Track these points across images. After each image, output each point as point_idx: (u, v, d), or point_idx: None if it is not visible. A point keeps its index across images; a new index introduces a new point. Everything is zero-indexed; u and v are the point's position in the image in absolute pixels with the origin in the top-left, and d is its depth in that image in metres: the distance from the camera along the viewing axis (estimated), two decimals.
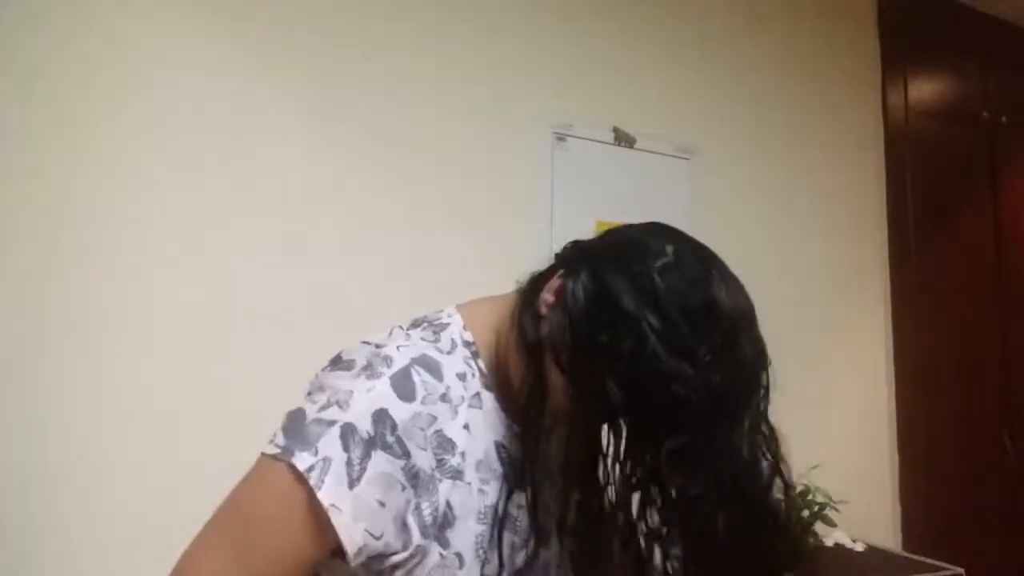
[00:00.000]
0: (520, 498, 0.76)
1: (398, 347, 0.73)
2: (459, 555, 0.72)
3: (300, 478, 0.65)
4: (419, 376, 0.71)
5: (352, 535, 0.66)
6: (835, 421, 2.29)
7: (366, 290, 1.63)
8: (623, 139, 1.99)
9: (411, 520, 0.69)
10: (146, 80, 1.47)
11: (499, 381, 0.78)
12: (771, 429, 0.70)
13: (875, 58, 2.53)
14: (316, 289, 1.58)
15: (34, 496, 1.32)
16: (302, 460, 0.65)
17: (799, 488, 1.85)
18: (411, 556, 0.70)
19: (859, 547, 2.04)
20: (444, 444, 0.72)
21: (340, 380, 0.70)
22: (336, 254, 1.62)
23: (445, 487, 0.71)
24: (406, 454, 0.68)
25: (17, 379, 1.33)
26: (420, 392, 0.70)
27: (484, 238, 1.78)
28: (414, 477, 0.69)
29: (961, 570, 1.90)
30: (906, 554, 2.08)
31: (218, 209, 1.52)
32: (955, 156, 2.67)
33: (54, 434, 1.35)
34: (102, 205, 1.42)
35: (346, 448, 0.66)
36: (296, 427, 0.68)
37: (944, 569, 1.90)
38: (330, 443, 0.66)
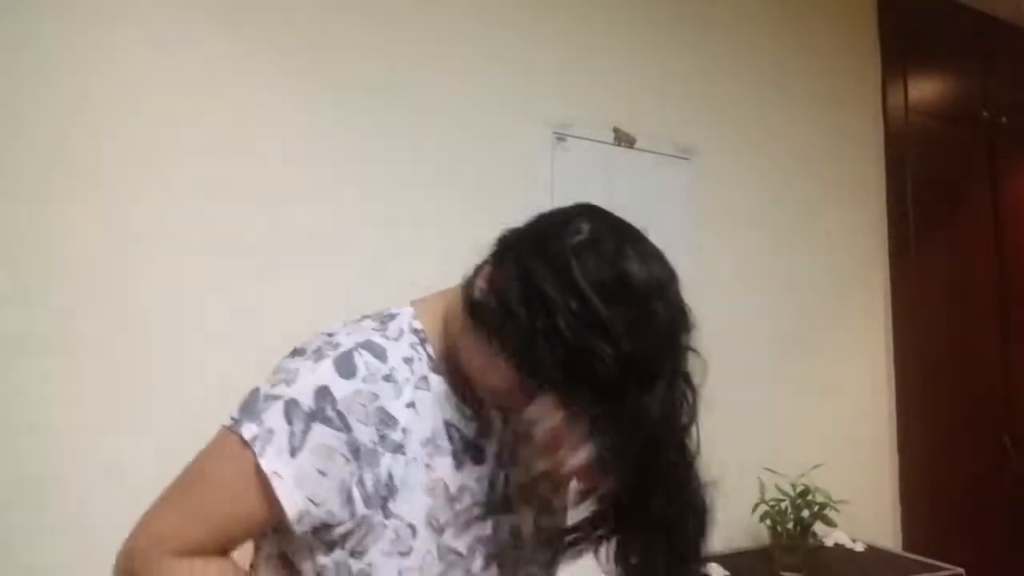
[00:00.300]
0: (478, 471, 0.83)
1: (347, 334, 0.80)
2: (412, 526, 0.77)
3: (247, 446, 0.72)
4: (362, 358, 0.77)
5: (292, 500, 0.72)
6: (835, 421, 2.29)
7: (363, 288, 1.63)
8: (623, 139, 1.99)
9: (355, 492, 0.75)
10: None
11: (449, 367, 0.83)
12: (692, 390, 0.73)
13: (875, 58, 2.54)
14: (310, 290, 1.58)
15: (26, 498, 1.32)
16: (249, 430, 0.73)
17: (799, 488, 1.85)
18: (357, 526, 0.75)
19: (859, 547, 2.04)
20: (386, 420, 0.77)
21: (292, 363, 0.78)
22: (334, 253, 1.62)
23: (387, 460, 0.76)
24: (347, 428, 0.74)
25: (5, 380, 1.33)
26: (361, 371, 0.77)
27: (484, 238, 1.78)
28: (356, 450, 0.75)
29: (961, 570, 1.90)
30: (906, 554, 2.09)
31: (218, 205, 1.52)
32: (955, 156, 2.67)
33: (44, 433, 1.35)
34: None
35: (288, 421, 0.73)
36: (248, 402, 0.76)
37: (944, 569, 1.90)
38: (274, 416, 0.73)
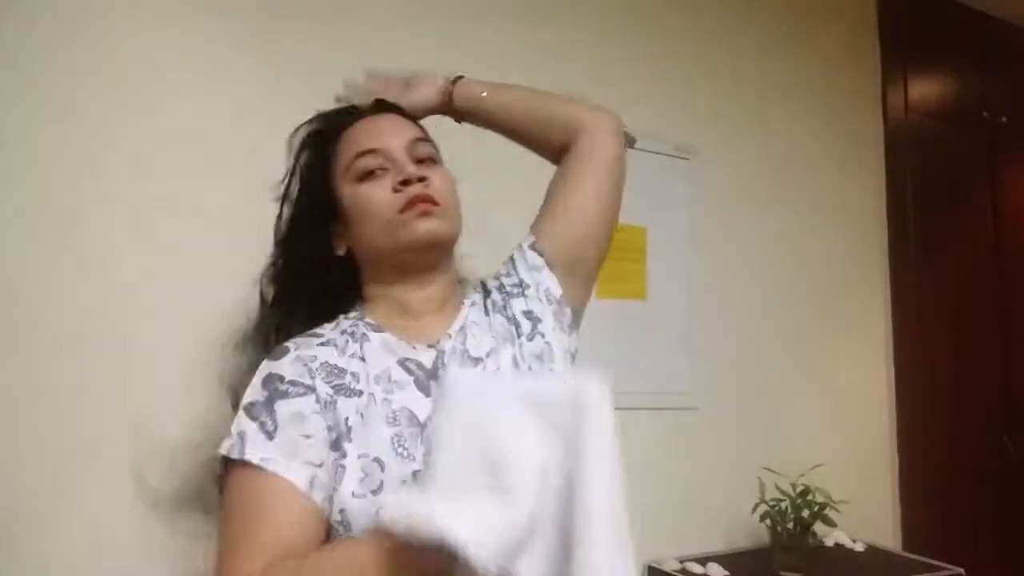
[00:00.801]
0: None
1: None
2: (378, 460, 0.80)
3: (230, 461, 0.78)
4: (293, 343, 0.87)
5: (293, 471, 0.76)
6: (835, 421, 2.29)
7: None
8: (623, 139, 1.99)
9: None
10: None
11: (395, 324, 0.92)
12: None
13: (875, 58, 2.53)
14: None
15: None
16: (226, 446, 0.78)
17: (799, 488, 1.85)
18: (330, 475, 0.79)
19: (859, 547, 2.04)
20: (333, 371, 0.84)
21: None
22: None
23: (342, 405, 0.82)
24: (310, 389, 0.82)
25: None
26: (292, 348, 0.85)
27: (483, 238, 1.78)
28: (324, 404, 0.81)
29: (961, 570, 1.90)
30: (906, 554, 2.08)
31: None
32: (955, 156, 2.67)
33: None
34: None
35: (253, 418, 0.79)
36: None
37: (944, 569, 1.90)
38: (241, 422, 0.79)
